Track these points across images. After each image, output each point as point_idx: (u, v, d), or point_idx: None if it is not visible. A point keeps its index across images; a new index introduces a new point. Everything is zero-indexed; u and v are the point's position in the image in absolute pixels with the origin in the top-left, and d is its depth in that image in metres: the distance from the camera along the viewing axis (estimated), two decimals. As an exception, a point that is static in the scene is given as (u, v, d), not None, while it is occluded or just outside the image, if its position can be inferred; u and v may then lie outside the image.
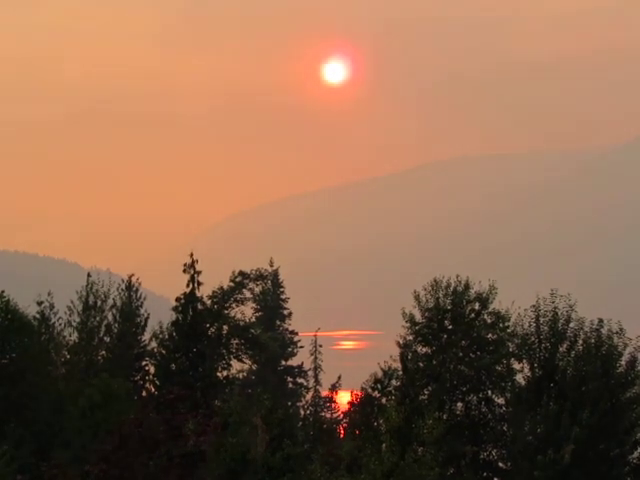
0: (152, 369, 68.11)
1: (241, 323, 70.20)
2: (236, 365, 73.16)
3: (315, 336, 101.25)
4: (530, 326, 55.80)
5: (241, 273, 71.13)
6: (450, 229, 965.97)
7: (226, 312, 69.72)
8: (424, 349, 60.47)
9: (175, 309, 67.48)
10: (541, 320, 55.41)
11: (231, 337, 69.77)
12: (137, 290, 72.07)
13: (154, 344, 68.48)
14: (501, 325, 59.51)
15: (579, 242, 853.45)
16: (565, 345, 55.00)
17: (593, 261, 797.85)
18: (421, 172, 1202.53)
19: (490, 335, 59.67)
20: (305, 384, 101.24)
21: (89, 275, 71.31)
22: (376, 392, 60.45)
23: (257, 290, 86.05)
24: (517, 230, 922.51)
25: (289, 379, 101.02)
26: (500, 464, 58.54)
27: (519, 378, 57.25)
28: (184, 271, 67.34)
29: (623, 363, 53.91)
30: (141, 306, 71.62)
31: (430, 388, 58.74)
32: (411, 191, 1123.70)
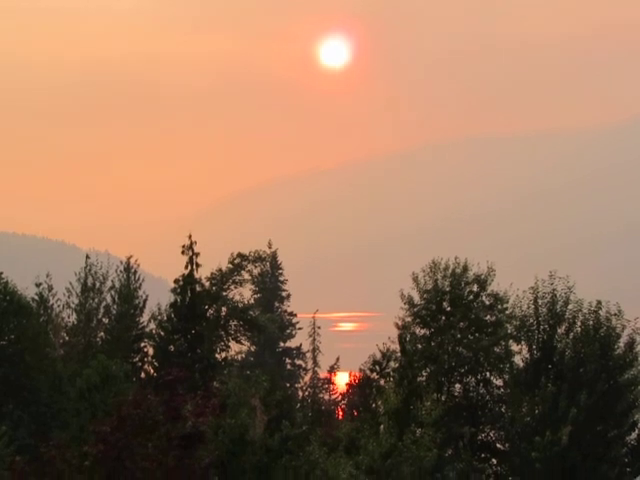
0: (151, 350, 68.19)
1: (240, 305, 70.25)
2: (234, 347, 73.29)
3: (313, 318, 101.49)
4: (528, 308, 55.84)
5: (239, 255, 71.12)
6: (450, 210, 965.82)
7: (225, 294, 69.75)
8: (422, 331, 60.51)
9: (173, 291, 67.50)
10: (539, 302, 55.44)
11: (230, 319, 69.83)
12: (135, 272, 72.06)
13: (153, 326, 68.53)
14: (499, 307, 59.55)
15: (577, 225, 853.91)
16: (563, 327, 55.05)
17: (592, 243, 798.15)
18: (424, 153, 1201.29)
19: (488, 317, 59.71)
20: (303, 366, 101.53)
21: (87, 257, 71.26)
22: (374, 374, 60.57)
23: (255, 272, 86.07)
24: (520, 211, 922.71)
25: (287, 361, 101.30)
26: (498, 445, 58.67)
27: (517, 360, 57.31)
28: (182, 253, 67.35)
29: (621, 345, 53.96)
30: (139, 288, 71.61)
31: (428, 370, 58.81)
32: (413, 172, 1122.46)
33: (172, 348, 65.82)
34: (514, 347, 57.67)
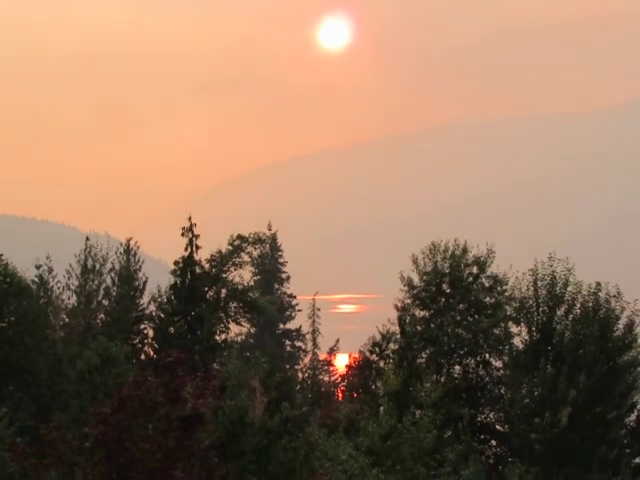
0: (150, 332, 68.21)
1: (239, 287, 70.23)
2: (234, 328, 73.36)
3: (313, 299, 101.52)
4: (528, 290, 55.88)
5: (239, 237, 71.05)
6: (450, 193, 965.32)
7: (224, 276, 69.72)
8: (422, 313, 60.59)
9: (173, 272, 67.49)
10: (539, 284, 55.49)
11: (229, 301, 69.83)
12: (135, 253, 71.99)
13: (152, 307, 68.54)
14: (499, 289, 59.61)
15: (577, 208, 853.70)
16: (563, 308, 55.11)
17: (592, 226, 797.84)
18: (425, 137, 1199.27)
19: (488, 299, 59.78)
20: (303, 347, 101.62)
21: (87, 239, 71.18)
22: (374, 355, 60.70)
23: (255, 254, 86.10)
24: (516, 194, 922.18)
25: (287, 342, 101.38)
26: (497, 427, 58.83)
27: (517, 341, 57.40)
28: (182, 235, 67.28)
29: (620, 327, 54.03)
30: (139, 269, 71.57)
31: (428, 351, 58.93)
32: (412, 155, 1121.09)
33: (172, 330, 65.86)
34: (513, 329, 57.79)
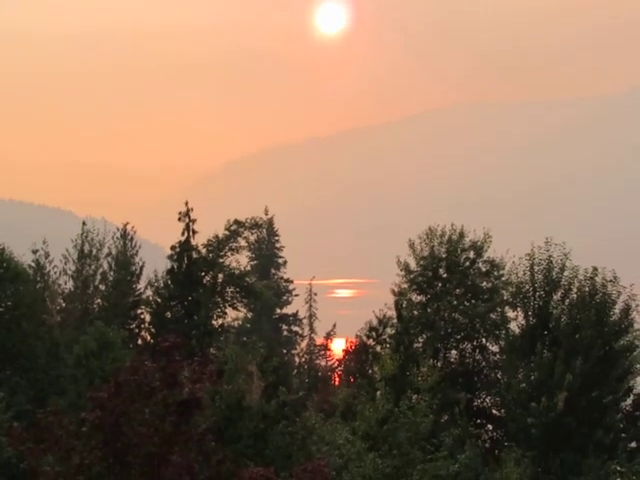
0: (147, 317, 68.18)
1: (236, 271, 70.25)
2: (231, 313, 73.49)
3: (310, 284, 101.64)
4: (525, 274, 55.93)
5: (236, 222, 71.06)
6: (447, 178, 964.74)
7: (221, 260, 69.74)
8: (419, 297, 60.68)
9: (170, 257, 67.41)
10: (536, 268, 55.53)
11: (226, 285, 69.87)
12: (132, 238, 71.93)
13: (149, 292, 68.48)
14: (495, 273, 59.69)
15: (574, 191, 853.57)
16: (559, 293, 55.18)
17: (591, 210, 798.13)
18: (417, 120, 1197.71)
19: (484, 283, 59.88)
20: (300, 332, 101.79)
21: (84, 223, 71.08)
22: (371, 340, 60.73)
23: (252, 239, 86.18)
24: (514, 178, 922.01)
25: (284, 327, 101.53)
26: (494, 411, 59.01)
27: (513, 326, 57.51)
28: (179, 219, 67.16)
29: (617, 311, 54.10)
30: (136, 254, 71.51)
31: (425, 336, 59.00)
32: (407, 139, 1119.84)
33: (169, 315, 65.83)
34: (510, 313, 57.89)
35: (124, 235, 71.56)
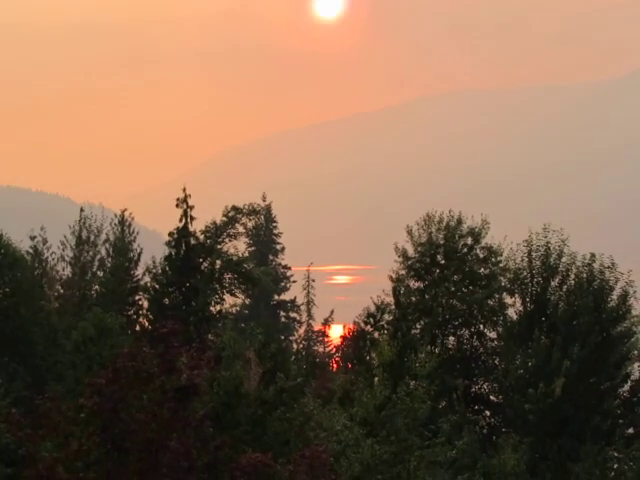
0: (145, 303, 68.16)
1: (234, 258, 70.15)
2: (229, 300, 73.29)
3: (308, 271, 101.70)
4: (522, 261, 55.99)
5: (234, 208, 70.92)
6: (445, 164, 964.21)
7: (219, 247, 69.62)
8: (417, 284, 60.70)
9: (168, 244, 67.32)
10: (533, 255, 55.57)
11: (224, 272, 69.78)
12: (130, 225, 71.84)
13: (147, 279, 68.42)
14: (493, 260, 59.69)
15: (573, 178, 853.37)
16: (557, 279, 55.23)
17: (590, 196, 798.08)
18: (416, 105, 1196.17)
19: (482, 270, 59.88)
20: (298, 318, 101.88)
21: (82, 210, 71.00)
22: (369, 326, 60.72)
23: (250, 225, 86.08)
24: (513, 164, 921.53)
25: (282, 313, 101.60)
26: (491, 397, 59.06)
27: (511, 312, 57.58)
28: (177, 206, 67.04)
29: (615, 297, 54.16)
30: (134, 241, 71.42)
31: (422, 322, 59.04)
32: (406, 124, 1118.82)
33: (167, 301, 65.79)
34: (508, 300, 57.91)
35: (122, 221, 71.48)
